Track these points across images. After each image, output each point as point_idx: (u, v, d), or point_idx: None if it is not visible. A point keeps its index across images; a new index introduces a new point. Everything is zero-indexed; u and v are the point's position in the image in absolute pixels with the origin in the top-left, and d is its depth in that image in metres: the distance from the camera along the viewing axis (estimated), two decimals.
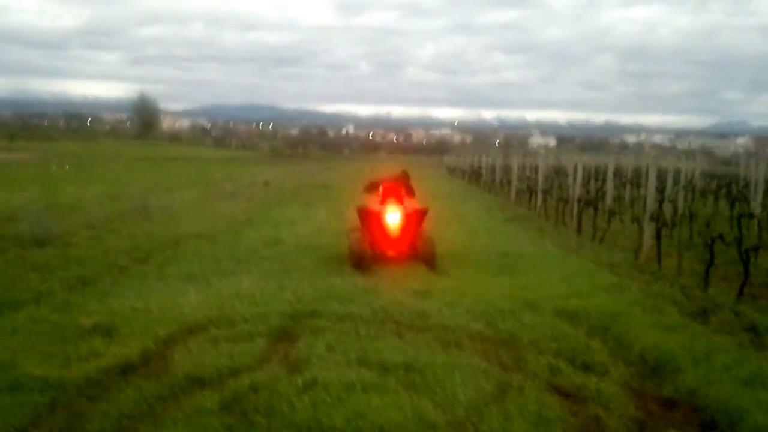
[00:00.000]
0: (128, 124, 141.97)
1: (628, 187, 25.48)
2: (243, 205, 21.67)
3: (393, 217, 11.89)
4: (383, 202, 12.09)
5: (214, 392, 5.56)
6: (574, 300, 8.84)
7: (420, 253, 11.59)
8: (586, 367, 6.50)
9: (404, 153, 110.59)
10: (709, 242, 10.15)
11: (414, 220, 11.99)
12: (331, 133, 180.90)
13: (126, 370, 6.11)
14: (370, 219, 11.95)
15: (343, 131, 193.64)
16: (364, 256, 11.16)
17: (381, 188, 12.34)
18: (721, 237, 10.08)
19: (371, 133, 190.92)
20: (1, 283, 9.26)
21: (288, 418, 5.14)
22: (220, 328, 7.29)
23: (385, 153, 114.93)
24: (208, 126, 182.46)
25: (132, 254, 12.03)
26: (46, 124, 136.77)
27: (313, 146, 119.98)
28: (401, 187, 12.41)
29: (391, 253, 11.83)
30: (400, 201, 12.13)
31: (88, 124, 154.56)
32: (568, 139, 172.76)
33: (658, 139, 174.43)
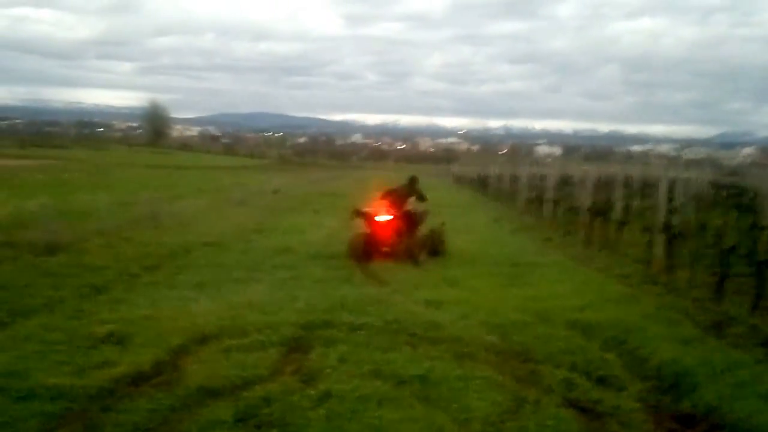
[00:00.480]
0: (139, 132, 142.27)
1: (637, 196, 25.30)
2: (252, 213, 21.62)
3: (382, 219, 13.21)
4: (378, 206, 13.48)
5: (228, 404, 5.46)
6: (588, 312, 8.73)
7: (404, 250, 12.86)
8: (602, 382, 6.38)
9: (411, 161, 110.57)
10: (722, 254, 10.00)
11: (405, 222, 13.33)
12: (339, 141, 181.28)
13: (138, 379, 6.02)
14: (365, 220, 13.43)
15: (351, 140, 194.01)
16: (358, 250, 12.72)
17: (381, 194, 13.82)
18: (734, 249, 9.93)
19: (378, 141, 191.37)
20: (13, 291, 9.19)
21: (302, 431, 5.04)
22: (232, 338, 7.20)
23: (393, 161, 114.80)
24: (218, 134, 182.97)
25: (143, 262, 11.97)
26: (58, 132, 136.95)
27: (322, 154, 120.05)
28: (400, 195, 13.88)
29: (385, 249, 13.07)
30: (394, 206, 13.44)
31: (100, 131, 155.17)
32: (573, 148, 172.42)
33: (663, 148, 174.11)
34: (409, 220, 13.42)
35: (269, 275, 11.07)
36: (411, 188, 14.36)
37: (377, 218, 13.21)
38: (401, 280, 10.95)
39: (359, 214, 13.54)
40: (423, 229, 13.78)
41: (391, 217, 13.20)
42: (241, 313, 8.14)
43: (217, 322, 7.72)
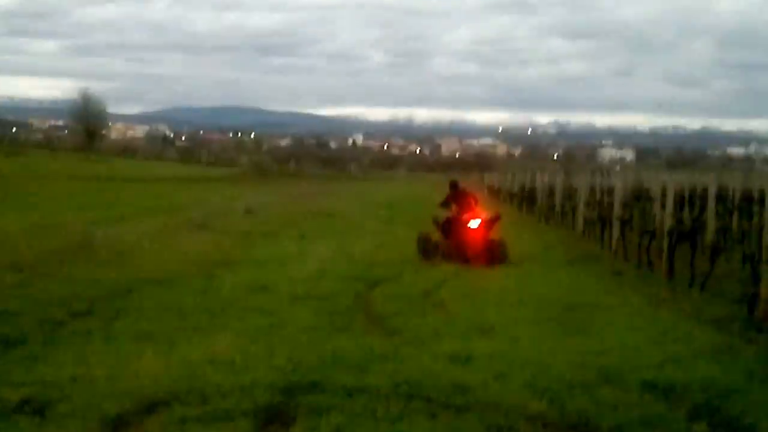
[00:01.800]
0: (66, 132, 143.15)
1: (736, 215, 25.26)
2: (217, 240, 21.70)
3: (473, 225, 17.61)
4: (464, 212, 18.10)
5: None
6: (670, 369, 8.72)
7: (491, 253, 17.34)
8: None
9: (431, 169, 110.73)
10: None
11: (488, 227, 17.88)
12: (333, 144, 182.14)
13: None
14: (449, 227, 18.03)
15: (350, 141, 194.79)
16: (428, 250, 17.63)
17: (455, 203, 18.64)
18: None
19: (387, 143, 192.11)
20: None
21: None
22: (188, 405, 7.20)
23: (406, 170, 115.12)
24: (171, 135, 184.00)
25: (71, 305, 12.01)
26: None
27: (310, 161, 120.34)
28: (468, 201, 18.65)
29: (471, 253, 17.26)
30: (476, 212, 18.23)
31: (14, 132, 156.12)
32: (651, 151, 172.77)
33: None
34: (491, 225, 18.10)
35: (239, 322, 11.13)
36: (470, 195, 19.32)
37: (469, 225, 17.60)
38: (415, 327, 10.99)
39: (441, 222, 18.21)
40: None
41: (480, 221, 17.72)
42: (201, 373, 8.16)
43: (169, 385, 7.74)
